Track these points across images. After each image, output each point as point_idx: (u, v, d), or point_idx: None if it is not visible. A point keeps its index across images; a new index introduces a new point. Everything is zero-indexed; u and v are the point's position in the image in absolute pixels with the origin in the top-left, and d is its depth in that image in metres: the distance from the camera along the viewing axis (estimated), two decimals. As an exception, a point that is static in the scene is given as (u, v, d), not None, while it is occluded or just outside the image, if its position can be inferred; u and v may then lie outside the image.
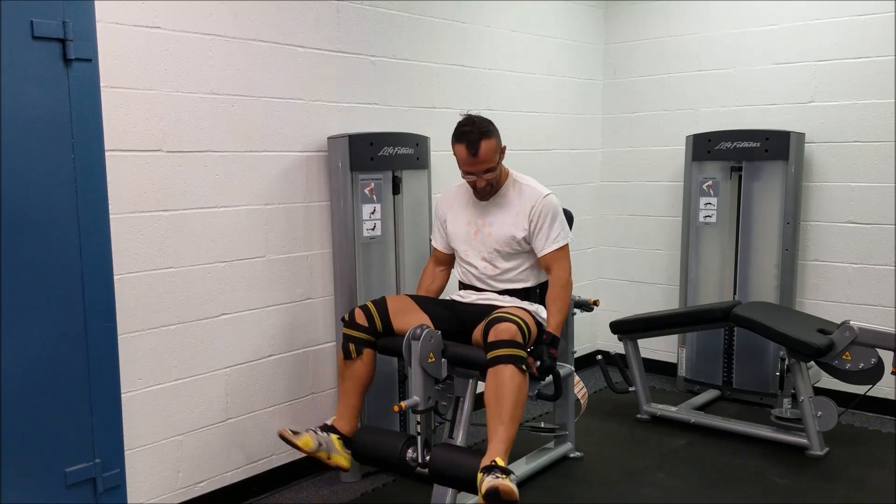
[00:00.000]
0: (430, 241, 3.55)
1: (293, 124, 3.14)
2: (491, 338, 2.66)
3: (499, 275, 3.06)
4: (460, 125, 2.96)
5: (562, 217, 3.07)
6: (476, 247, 3.07)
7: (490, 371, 2.65)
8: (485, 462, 2.52)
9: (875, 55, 3.86)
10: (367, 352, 2.88)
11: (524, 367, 2.65)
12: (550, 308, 3.00)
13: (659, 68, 4.62)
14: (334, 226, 3.26)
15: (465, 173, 2.98)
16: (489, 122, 2.96)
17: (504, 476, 2.43)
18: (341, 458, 2.83)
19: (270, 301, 3.14)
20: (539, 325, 3.02)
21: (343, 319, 2.93)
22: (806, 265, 4.16)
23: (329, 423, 2.90)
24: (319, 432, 2.83)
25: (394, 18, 3.50)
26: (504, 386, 2.61)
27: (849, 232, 4.02)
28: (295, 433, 2.76)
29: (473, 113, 3.01)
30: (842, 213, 4.04)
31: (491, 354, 2.65)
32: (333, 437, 2.84)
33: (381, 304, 2.94)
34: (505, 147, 3.03)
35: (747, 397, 4.24)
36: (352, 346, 2.87)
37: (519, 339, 2.66)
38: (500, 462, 2.51)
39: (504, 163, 3.07)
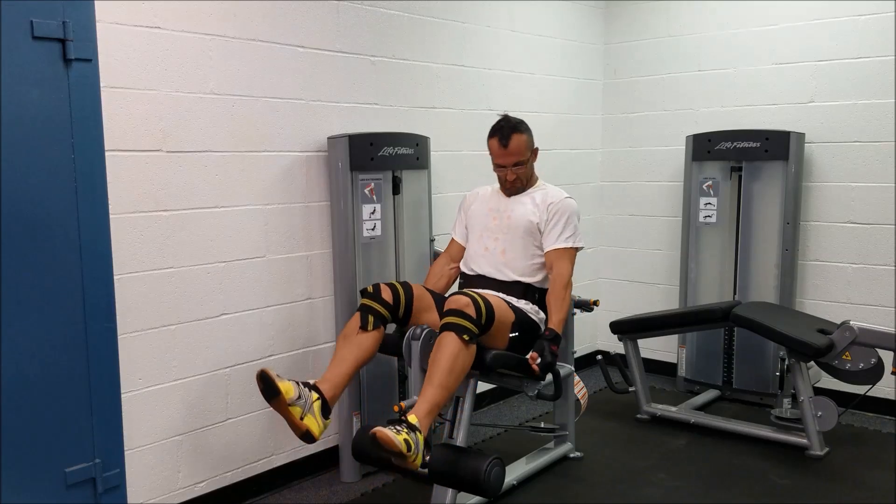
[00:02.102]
0: (432, 240, 3.55)
1: (293, 124, 3.14)
2: (444, 307, 2.72)
3: (507, 262, 3.11)
4: (496, 123, 3.16)
5: (577, 222, 3.17)
6: (492, 230, 3.17)
7: (437, 338, 2.69)
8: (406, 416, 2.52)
9: (875, 55, 3.86)
10: (381, 328, 2.85)
11: (466, 337, 2.63)
12: (552, 306, 3.03)
13: (659, 68, 4.61)
14: (334, 226, 3.26)
15: (497, 166, 3.15)
16: (522, 121, 3.15)
17: (402, 428, 2.41)
18: (314, 422, 2.59)
19: (270, 301, 3.14)
20: (533, 324, 3.03)
21: (365, 290, 2.88)
22: (806, 265, 4.16)
23: (312, 382, 2.69)
24: (302, 386, 2.61)
25: (394, 18, 3.50)
26: (440, 351, 2.64)
27: (849, 232, 4.02)
28: (278, 376, 2.56)
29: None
30: (842, 213, 4.03)
31: (441, 322, 2.69)
32: (314, 395, 2.62)
33: (408, 289, 2.92)
34: (537, 149, 3.20)
35: (747, 397, 4.24)
36: (371, 318, 2.81)
37: (469, 311, 2.66)
38: (412, 419, 2.49)
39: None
